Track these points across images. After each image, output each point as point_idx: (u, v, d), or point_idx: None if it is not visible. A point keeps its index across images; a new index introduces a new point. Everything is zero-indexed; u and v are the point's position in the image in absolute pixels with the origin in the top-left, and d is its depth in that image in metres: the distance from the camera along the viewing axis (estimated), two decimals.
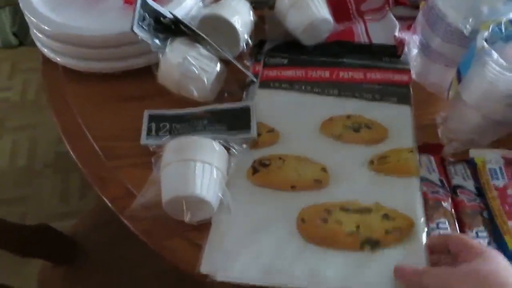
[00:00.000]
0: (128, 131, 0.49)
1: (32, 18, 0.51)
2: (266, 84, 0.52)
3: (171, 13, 0.49)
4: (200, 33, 0.49)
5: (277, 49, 0.56)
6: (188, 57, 0.47)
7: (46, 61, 0.56)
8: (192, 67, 0.47)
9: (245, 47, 0.53)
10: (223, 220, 0.41)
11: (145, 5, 0.47)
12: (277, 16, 0.56)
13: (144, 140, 0.46)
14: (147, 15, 0.47)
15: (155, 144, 0.45)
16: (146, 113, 0.48)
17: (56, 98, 0.53)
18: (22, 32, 1.69)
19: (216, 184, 0.40)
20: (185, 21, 0.49)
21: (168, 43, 0.47)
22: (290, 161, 0.45)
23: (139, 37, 0.46)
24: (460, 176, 0.45)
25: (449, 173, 0.45)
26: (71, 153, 0.49)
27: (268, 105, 0.50)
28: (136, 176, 0.45)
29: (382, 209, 0.41)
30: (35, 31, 0.52)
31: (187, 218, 0.39)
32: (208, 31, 0.50)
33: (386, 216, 0.41)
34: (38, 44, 0.54)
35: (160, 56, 0.47)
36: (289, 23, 0.54)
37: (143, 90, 0.52)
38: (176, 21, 0.49)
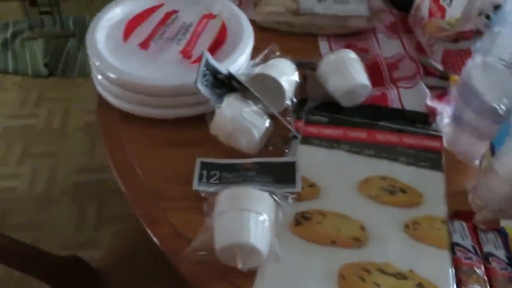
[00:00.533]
0: (178, 175, 0.52)
1: (99, 64, 0.55)
2: (307, 140, 0.56)
3: (228, 70, 0.54)
4: (251, 89, 0.54)
5: (318, 108, 0.60)
6: (242, 113, 0.51)
7: (103, 103, 0.60)
8: (245, 122, 0.51)
9: (289, 104, 0.58)
10: (268, 268, 0.44)
11: (207, 63, 0.52)
12: (319, 78, 0.60)
13: (196, 186, 0.50)
14: (208, 72, 0.52)
15: (206, 190, 0.49)
16: (198, 161, 0.52)
17: (111, 139, 0.57)
18: (53, 63, 1.77)
19: (267, 233, 0.43)
20: (238, 78, 0.54)
21: (224, 98, 0.52)
22: (330, 217, 0.48)
23: (201, 92, 0.50)
24: (492, 244, 0.47)
25: (481, 240, 0.48)
26: (125, 192, 0.52)
27: (309, 160, 0.53)
28: (185, 219, 0.48)
29: (416, 278, 0.43)
30: (98, 76, 0.57)
31: (239, 265, 0.42)
32: (257, 88, 0.55)
33: (420, 286, 0.43)
34: (98, 88, 0.59)
35: (216, 109, 0.52)
36: (330, 86, 0.59)
37: (193, 137, 0.56)
38: (230, 77, 0.54)
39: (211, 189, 0.49)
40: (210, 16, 0.64)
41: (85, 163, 1.48)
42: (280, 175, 0.51)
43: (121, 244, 0.80)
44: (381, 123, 0.58)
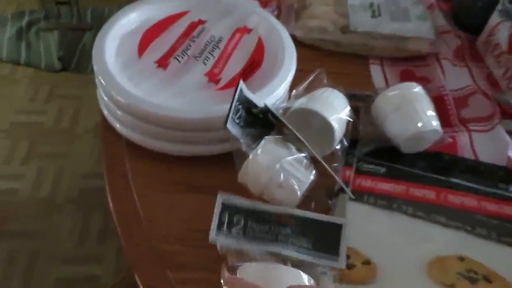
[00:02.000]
0: (194, 232, 0.41)
1: (105, 84, 0.44)
2: (359, 196, 0.44)
3: (265, 104, 0.42)
4: (292, 129, 0.42)
5: (372, 153, 0.48)
6: (282, 162, 0.40)
7: (107, 128, 0.49)
8: (285, 174, 0.39)
9: (337, 148, 0.46)
10: None
11: (241, 95, 0.40)
12: (375, 117, 0.49)
13: (213, 234, 0.39)
14: (240, 106, 0.40)
15: (225, 244, 0.38)
16: (219, 199, 0.40)
17: (114, 175, 0.46)
18: (67, 57, 1.68)
19: None
20: (277, 114, 0.43)
21: (259, 142, 0.40)
22: None
23: (232, 133, 0.39)
24: None
25: None
26: (125, 252, 0.41)
27: (362, 226, 0.42)
28: None
29: None
30: (105, 97, 0.46)
31: None
32: (299, 125, 0.43)
33: None
34: (104, 111, 0.48)
35: (248, 153, 0.40)
36: (389, 127, 0.47)
37: (215, 180, 0.44)
38: (267, 111, 0.42)
39: (230, 243, 0.38)
40: (244, 30, 0.53)
41: (93, 167, 1.38)
42: (320, 240, 0.39)
43: (122, 285, 0.70)
44: (453, 179, 0.46)
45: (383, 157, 0.48)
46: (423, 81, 0.59)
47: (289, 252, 0.38)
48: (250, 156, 0.40)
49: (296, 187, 0.40)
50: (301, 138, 0.42)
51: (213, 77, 0.47)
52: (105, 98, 0.47)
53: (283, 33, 0.52)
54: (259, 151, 0.40)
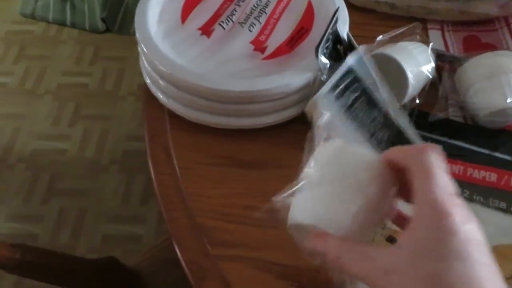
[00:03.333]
0: (238, 209, 0.40)
1: (148, 53, 0.43)
2: None
3: (350, 39, 0.41)
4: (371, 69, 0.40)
5: (428, 127, 0.45)
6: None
7: (150, 99, 0.48)
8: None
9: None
10: None
11: (335, 29, 0.41)
12: (458, 83, 0.45)
13: (325, 91, 0.38)
14: (331, 37, 0.40)
15: (328, 107, 0.37)
16: (360, 50, 0.41)
17: (156, 147, 0.46)
18: (110, 18, 1.68)
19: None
20: (361, 53, 0.41)
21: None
22: None
23: (319, 61, 0.39)
24: None
25: None
26: (168, 225, 0.41)
27: None
28: (243, 274, 0.37)
29: None
30: (148, 66, 0.45)
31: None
32: (378, 69, 0.41)
33: None
34: (147, 80, 0.47)
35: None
36: (473, 97, 0.44)
37: (260, 155, 0.43)
38: (350, 48, 0.41)
39: (334, 111, 0.38)
40: None
41: (135, 130, 1.41)
42: None
43: (164, 247, 0.71)
44: None
45: (446, 132, 0.44)
46: (489, 48, 0.53)
47: None
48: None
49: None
50: (380, 87, 0.40)
51: (259, 45, 0.45)
52: (148, 67, 0.45)
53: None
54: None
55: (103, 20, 1.68)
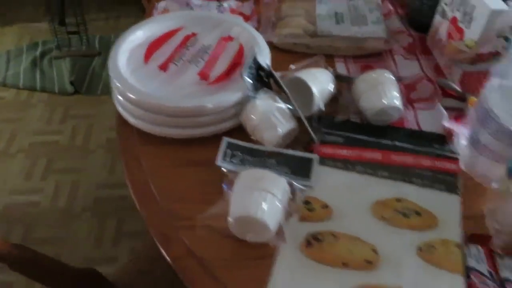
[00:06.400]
0: (193, 194, 0.53)
1: (120, 86, 0.57)
2: (322, 160, 0.56)
3: (268, 67, 0.58)
4: (285, 89, 0.57)
5: (333, 126, 0.60)
6: (272, 108, 0.55)
7: (122, 122, 0.62)
8: (273, 117, 0.54)
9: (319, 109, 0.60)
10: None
11: (255, 58, 0.57)
12: (353, 94, 0.62)
13: (219, 162, 0.54)
14: (253, 65, 0.57)
15: (227, 167, 0.53)
16: (225, 141, 0.56)
17: (129, 157, 0.58)
18: (78, 81, 1.83)
19: (278, 214, 0.47)
20: (277, 76, 0.58)
21: (260, 93, 0.56)
22: (342, 239, 0.48)
23: (244, 80, 0.55)
24: (509, 270, 0.46)
25: (498, 265, 0.46)
26: (139, 210, 0.53)
27: (323, 182, 0.53)
28: (198, 237, 0.49)
29: None
30: (119, 97, 0.59)
31: (248, 238, 0.46)
32: (290, 90, 0.58)
33: None
34: (119, 108, 0.61)
35: (250, 101, 0.55)
36: (363, 103, 0.60)
37: (208, 155, 0.57)
38: (269, 75, 0.58)
39: (231, 167, 0.53)
40: (228, 39, 0.66)
41: (106, 179, 1.51)
42: (297, 168, 0.54)
43: (138, 259, 0.81)
44: (397, 144, 0.58)
45: (343, 130, 0.60)
46: None
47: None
48: (250, 102, 0.55)
49: (278, 128, 0.54)
50: (290, 97, 0.57)
51: (204, 75, 0.60)
52: (120, 97, 0.59)
53: (259, 39, 0.65)
54: (257, 99, 0.55)
55: (71, 83, 1.82)
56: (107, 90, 1.77)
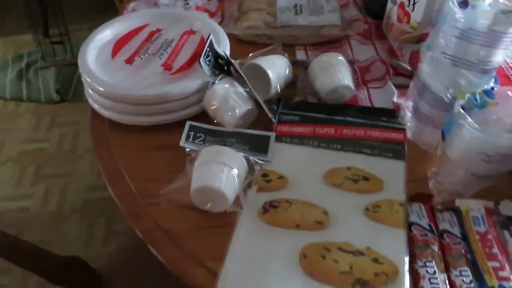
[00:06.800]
0: (160, 174, 0.58)
1: (89, 80, 0.62)
2: (279, 138, 0.60)
3: (226, 55, 0.62)
4: (243, 75, 0.61)
5: (290, 107, 0.65)
6: (230, 92, 0.59)
7: (95, 115, 0.66)
8: (231, 100, 0.58)
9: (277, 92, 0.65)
10: (236, 251, 0.48)
11: (211, 46, 0.61)
12: (309, 77, 0.66)
13: (182, 143, 0.58)
14: (210, 53, 0.61)
15: (190, 147, 0.58)
16: (188, 123, 0.61)
17: (101, 146, 0.63)
18: (63, 89, 1.87)
19: (235, 185, 0.51)
20: (235, 64, 0.62)
21: (218, 78, 0.61)
22: (296, 204, 0.52)
23: (202, 67, 0.60)
24: (447, 222, 0.50)
25: (437, 219, 0.51)
26: (111, 193, 0.57)
27: (280, 156, 0.58)
28: (165, 212, 0.53)
29: (373, 254, 0.47)
30: (89, 90, 0.63)
31: (207, 207, 0.51)
32: (249, 76, 0.62)
33: (376, 260, 0.47)
34: (90, 100, 0.65)
35: (209, 86, 0.60)
36: (317, 84, 0.65)
37: (173, 140, 0.61)
38: (228, 63, 0.62)
39: (194, 147, 0.57)
40: (191, 32, 0.71)
41: (94, 181, 1.55)
42: (255, 145, 0.58)
43: (121, 248, 0.85)
44: (349, 119, 0.62)
45: (299, 110, 0.64)
46: None
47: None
48: (210, 88, 0.59)
49: (237, 109, 0.58)
50: (248, 83, 0.61)
51: (167, 66, 0.65)
52: (90, 91, 0.64)
53: (220, 32, 0.70)
54: (216, 85, 0.59)
55: (57, 91, 1.86)
56: None
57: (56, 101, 1.85)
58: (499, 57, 0.49)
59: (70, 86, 1.88)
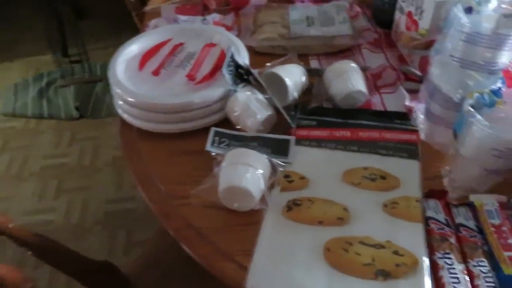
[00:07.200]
0: (188, 177, 0.61)
1: (119, 91, 0.66)
2: (298, 141, 0.64)
3: (246, 65, 0.66)
4: (263, 83, 0.66)
5: (307, 112, 0.68)
6: (251, 99, 0.63)
7: (123, 124, 0.70)
8: (252, 106, 0.62)
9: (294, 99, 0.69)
10: (264, 247, 0.51)
11: (232, 57, 0.66)
12: (324, 83, 0.70)
13: (208, 147, 0.62)
14: (232, 63, 0.66)
15: (216, 151, 0.61)
16: (212, 129, 0.65)
17: (131, 153, 0.67)
18: (83, 106, 1.93)
19: (261, 184, 0.54)
20: (254, 73, 0.66)
21: (239, 86, 0.65)
22: (317, 202, 0.55)
23: (224, 76, 0.65)
24: (463, 217, 0.53)
25: (453, 214, 0.54)
26: (143, 194, 0.61)
27: (300, 158, 0.61)
28: (195, 212, 0.57)
29: (393, 247, 0.50)
30: (119, 101, 0.67)
31: (234, 206, 0.55)
32: (268, 83, 0.66)
33: (396, 252, 0.49)
34: (119, 111, 0.69)
35: (231, 94, 0.64)
36: (332, 90, 0.68)
37: (199, 146, 0.65)
38: (248, 72, 0.66)
39: (219, 151, 0.61)
40: (211, 45, 0.75)
41: (114, 194, 1.59)
42: (276, 148, 0.62)
43: (148, 251, 0.88)
44: (364, 122, 0.66)
45: (316, 115, 0.68)
46: None
47: None
48: (232, 95, 0.64)
49: (258, 115, 0.62)
50: (267, 90, 0.65)
51: (191, 77, 0.69)
52: (119, 102, 0.68)
53: (238, 43, 0.74)
54: (238, 92, 0.64)
55: (76, 108, 1.92)
56: (111, 113, 1.87)
57: (75, 118, 1.91)
58: (504, 58, 0.52)
59: (89, 103, 1.95)
